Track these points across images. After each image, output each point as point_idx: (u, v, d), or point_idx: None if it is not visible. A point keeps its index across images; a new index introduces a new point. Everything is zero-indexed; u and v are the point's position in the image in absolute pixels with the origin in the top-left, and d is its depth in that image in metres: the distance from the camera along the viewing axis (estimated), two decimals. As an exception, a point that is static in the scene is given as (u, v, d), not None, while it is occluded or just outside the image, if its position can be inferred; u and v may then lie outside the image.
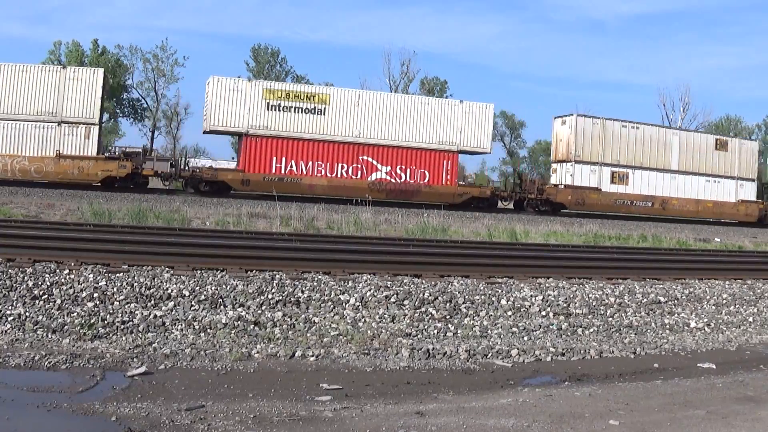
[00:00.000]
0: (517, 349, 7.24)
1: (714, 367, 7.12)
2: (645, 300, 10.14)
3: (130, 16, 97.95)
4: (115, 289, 7.94)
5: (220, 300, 8.03)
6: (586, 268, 11.75)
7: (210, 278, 8.78)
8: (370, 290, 8.88)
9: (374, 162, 29.28)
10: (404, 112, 29.86)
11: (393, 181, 29.55)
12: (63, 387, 5.28)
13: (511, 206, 33.44)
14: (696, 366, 7.18)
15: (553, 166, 34.41)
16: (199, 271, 9.06)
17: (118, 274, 8.52)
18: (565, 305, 9.33)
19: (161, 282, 8.38)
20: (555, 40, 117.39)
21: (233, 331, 7.09)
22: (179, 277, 8.65)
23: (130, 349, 6.34)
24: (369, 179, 29.16)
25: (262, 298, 8.26)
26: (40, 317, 6.95)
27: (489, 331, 7.95)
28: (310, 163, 28.58)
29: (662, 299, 10.30)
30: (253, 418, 4.81)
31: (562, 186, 32.51)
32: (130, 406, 4.91)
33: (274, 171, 28.16)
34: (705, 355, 7.69)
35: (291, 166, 28.39)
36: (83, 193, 23.29)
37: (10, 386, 5.18)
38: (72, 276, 8.26)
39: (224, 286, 8.44)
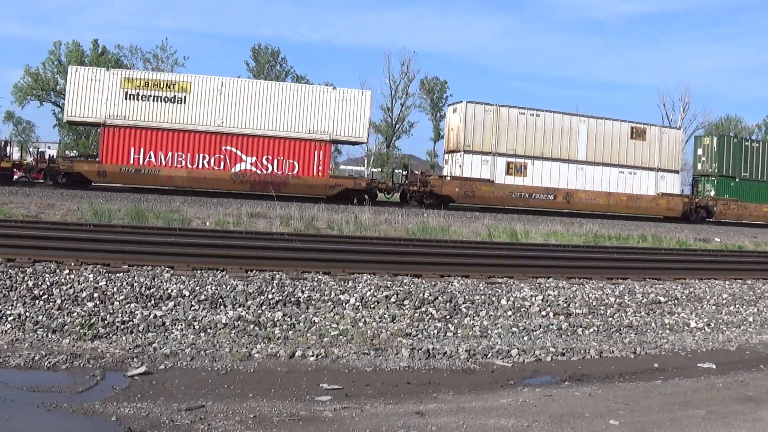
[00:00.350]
0: (517, 349, 7.24)
1: (714, 367, 7.12)
2: (645, 300, 10.14)
3: (130, 16, 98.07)
4: (115, 289, 7.94)
5: (220, 300, 8.03)
6: (586, 268, 11.75)
7: (210, 278, 8.78)
8: (370, 290, 8.88)
9: (238, 152, 28.12)
10: (272, 100, 28.50)
11: (258, 172, 28.17)
12: (63, 387, 5.28)
13: (397, 199, 31.47)
14: (696, 366, 7.18)
15: (445, 157, 32.56)
16: (199, 271, 9.06)
17: (118, 274, 8.52)
18: (565, 305, 9.33)
19: (161, 282, 8.38)
20: (555, 40, 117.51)
21: (233, 331, 7.09)
22: (179, 277, 8.65)
23: (130, 349, 6.34)
24: (232, 170, 27.97)
25: (262, 298, 8.26)
26: (40, 317, 6.95)
27: (489, 331, 7.96)
28: (170, 154, 27.57)
29: (662, 299, 10.30)
30: (253, 418, 4.81)
31: (450, 177, 30.54)
32: (130, 406, 4.91)
33: (132, 162, 27.31)
34: (705, 355, 7.69)
35: (150, 157, 27.42)
36: (83, 193, 23.31)
37: (10, 386, 5.18)
38: (72, 276, 8.26)
39: (224, 286, 8.45)
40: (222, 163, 28.02)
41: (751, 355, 7.94)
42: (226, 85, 28.45)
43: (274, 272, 9.32)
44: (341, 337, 7.22)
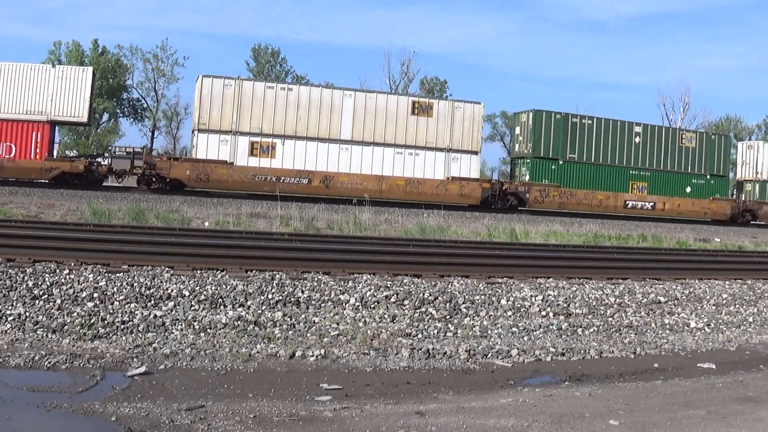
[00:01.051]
0: (517, 349, 7.24)
1: (714, 367, 7.12)
2: (645, 300, 10.14)
3: (130, 16, 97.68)
4: (115, 289, 7.94)
5: (220, 300, 8.03)
6: (586, 268, 11.75)
7: (210, 278, 8.78)
8: (370, 290, 8.88)
9: None
10: None
11: None
12: (63, 387, 5.28)
13: (134, 184, 28.79)
14: (696, 366, 7.18)
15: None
16: (199, 271, 9.06)
17: (118, 274, 8.52)
18: (565, 305, 9.33)
19: (161, 282, 8.38)
20: (555, 40, 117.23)
21: (233, 331, 7.09)
22: (179, 277, 8.65)
23: (130, 349, 6.34)
24: None
25: (262, 298, 8.26)
26: (40, 317, 6.95)
27: (489, 331, 7.96)
28: None
29: (662, 299, 10.31)
30: (253, 418, 4.81)
31: (180, 159, 27.85)
32: (130, 406, 4.91)
33: None
34: (705, 355, 7.69)
35: None
36: (83, 193, 23.31)
37: (10, 386, 5.18)
38: (72, 276, 8.26)
39: (224, 286, 8.45)
40: None
41: (751, 355, 7.94)
42: None
43: (274, 272, 9.32)
44: (341, 337, 7.22)
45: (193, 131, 28.31)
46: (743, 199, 36.21)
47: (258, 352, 6.53)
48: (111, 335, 6.72)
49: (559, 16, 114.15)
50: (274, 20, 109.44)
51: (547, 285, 10.28)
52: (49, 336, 6.55)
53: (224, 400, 5.17)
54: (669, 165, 33.27)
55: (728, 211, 34.18)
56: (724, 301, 10.72)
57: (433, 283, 9.66)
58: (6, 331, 6.56)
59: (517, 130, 33.03)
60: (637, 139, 32.71)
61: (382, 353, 6.78)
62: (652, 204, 32.75)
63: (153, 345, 6.48)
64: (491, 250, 13.00)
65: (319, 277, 9.36)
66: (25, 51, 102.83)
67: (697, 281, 11.85)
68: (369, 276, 9.63)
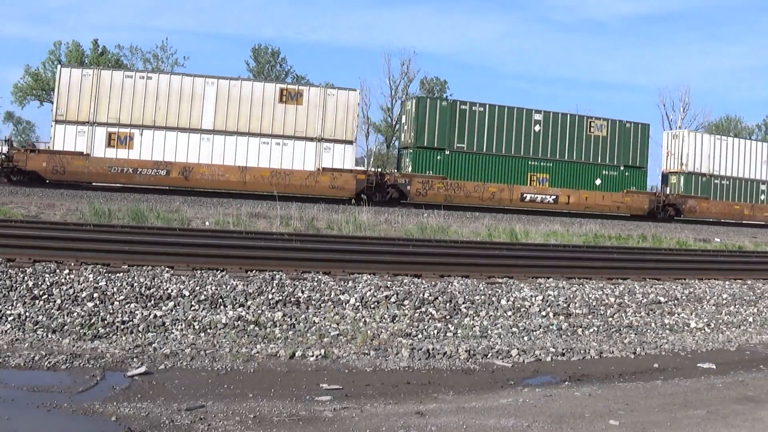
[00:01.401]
0: (517, 349, 7.24)
1: (714, 367, 7.13)
2: (645, 300, 10.15)
3: (130, 16, 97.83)
4: (115, 289, 7.94)
5: (220, 300, 8.03)
6: (586, 268, 11.75)
7: (210, 278, 8.79)
8: (370, 290, 8.88)
9: None
10: None
11: None
12: (63, 387, 5.28)
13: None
14: (696, 366, 7.18)
15: None
16: (199, 271, 9.06)
17: (118, 274, 8.52)
18: (565, 305, 9.33)
19: (161, 282, 8.38)
20: (555, 40, 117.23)
21: (233, 331, 7.09)
22: (179, 277, 8.65)
23: (130, 349, 6.34)
24: None
25: (262, 298, 8.27)
26: (40, 317, 6.95)
27: (489, 331, 7.96)
28: None
29: (662, 299, 10.31)
30: (253, 418, 4.81)
31: (38, 151, 26.90)
32: (130, 406, 4.91)
33: None
34: (705, 355, 7.70)
35: None
36: (83, 193, 23.31)
37: (10, 386, 5.18)
38: (72, 276, 8.26)
39: (224, 286, 8.45)
40: None
41: (751, 355, 7.94)
42: None
43: (274, 272, 9.32)
44: (341, 337, 7.22)
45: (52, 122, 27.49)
46: (667, 192, 34.17)
47: (258, 352, 6.53)
48: (111, 335, 6.72)
49: (559, 16, 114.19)
50: (274, 20, 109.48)
51: (547, 285, 10.28)
52: (49, 336, 6.55)
53: (224, 400, 5.18)
54: (575, 155, 31.42)
55: (646, 206, 32.25)
56: (724, 301, 10.72)
57: (433, 283, 9.66)
58: (6, 331, 6.56)
59: (403, 119, 31.33)
60: (537, 128, 30.89)
61: (382, 353, 6.79)
62: (554, 197, 30.90)
63: (153, 345, 6.49)
64: (491, 250, 13.00)
65: (319, 277, 9.36)
66: (25, 51, 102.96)
67: (697, 281, 11.86)
68: (369, 276, 9.64)
